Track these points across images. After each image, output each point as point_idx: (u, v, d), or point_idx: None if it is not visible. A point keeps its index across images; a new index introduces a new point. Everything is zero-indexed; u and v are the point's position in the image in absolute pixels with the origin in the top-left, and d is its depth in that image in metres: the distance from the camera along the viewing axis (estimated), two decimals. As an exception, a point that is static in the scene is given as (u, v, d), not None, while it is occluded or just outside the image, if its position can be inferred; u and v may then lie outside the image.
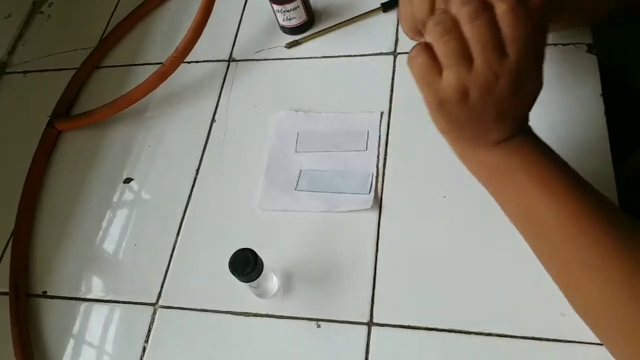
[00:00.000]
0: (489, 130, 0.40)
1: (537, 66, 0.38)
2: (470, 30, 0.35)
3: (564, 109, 0.56)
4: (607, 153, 0.53)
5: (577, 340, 0.45)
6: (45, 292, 0.59)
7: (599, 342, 0.39)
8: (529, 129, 0.42)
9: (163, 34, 0.77)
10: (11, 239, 0.63)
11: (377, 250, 0.53)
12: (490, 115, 0.38)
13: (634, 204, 0.51)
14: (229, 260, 0.48)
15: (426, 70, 0.37)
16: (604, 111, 0.55)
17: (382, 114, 0.61)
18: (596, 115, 0.55)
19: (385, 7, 0.68)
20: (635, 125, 0.63)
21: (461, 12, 0.35)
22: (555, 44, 0.59)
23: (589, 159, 0.53)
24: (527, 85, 0.38)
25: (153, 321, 0.55)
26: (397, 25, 0.68)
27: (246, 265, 0.48)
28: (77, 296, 0.58)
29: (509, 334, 0.46)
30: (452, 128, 0.41)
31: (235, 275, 0.48)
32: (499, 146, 0.40)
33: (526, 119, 0.42)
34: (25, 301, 0.59)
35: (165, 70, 0.66)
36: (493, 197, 0.43)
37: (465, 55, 0.35)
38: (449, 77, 0.36)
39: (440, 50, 0.36)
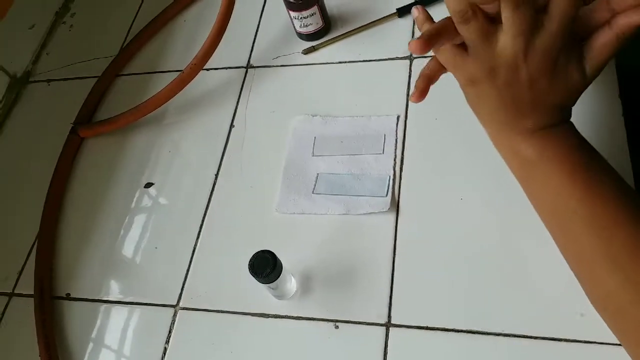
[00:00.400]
0: (523, 115, 0.40)
1: (574, 56, 0.38)
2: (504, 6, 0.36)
3: (581, 110, 0.56)
4: (626, 154, 0.53)
5: (596, 340, 0.45)
6: (69, 294, 0.61)
7: (617, 342, 0.38)
8: (570, 124, 0.42)
9: (182, 42, 0.79)
10: (36, 243, 0.65)
11: (394, 252, 0.53)
12: (523, 100, 0.39)
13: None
14: (248, 261, 0.49)
15: (452, 53, 0.39)
16: (621, 113, 0.55)
17: (398, 117, 0.61)
18: (615, 116, 0.55)
19: (400, 13, 0.69)
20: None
21: None
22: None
23: (608, 158, 0.53)
24: (564, 72, 0.38)
25: (174, 323, 0.56)
26: (413, 29, 0.68)
27: (265, 266, 0.48)
28: (100, 298, 0.60)
29: (528, 334, 0.46)
30: (482, 108, 0.41)
31: (254, 277, 0.48)
32: (534, 136, 0.40)
33: (567, 111, 0.42)
34: (50, 303, 0.60)
35: (185, 77, 0.68)
36: (523, 188, 0.43)
37: (489, 33, 0.37)
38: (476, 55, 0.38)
39: (465, 30, 0.37)
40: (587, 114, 0.56)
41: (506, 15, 0.36)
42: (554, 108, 0.40)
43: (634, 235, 0.37)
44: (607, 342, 0.44)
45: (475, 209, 0.54)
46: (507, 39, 0.37)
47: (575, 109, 0.56)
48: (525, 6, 0.35)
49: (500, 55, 0.37)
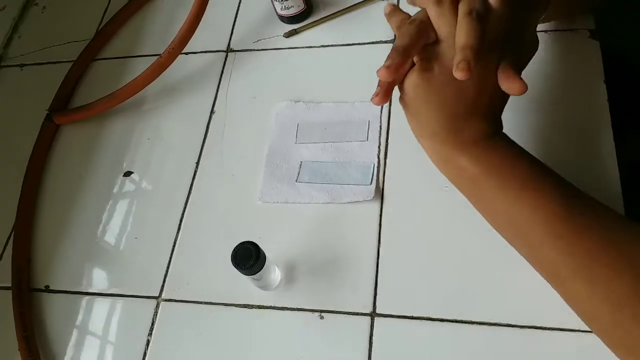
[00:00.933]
0: (459, 126, 0.40)
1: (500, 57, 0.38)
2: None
3: (566, 96, 0.55)
4: (609, 139, 0.52)
5: (579, 329, 0.45)
6: (48, 286, 0.59)
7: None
8: (504, 134, 0.42)
9: (160, 26, 0.76)
10: (12, 234, 0.63)
11: (379, 241, 0.53)
12: (459, 107, 0.39)
13: (637, 190, 0.51)
14: (231, 253, 0.48)
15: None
16: (606, 98, 0.55)
17: (382, 103, 0.60)
18: (599, 102, 0.54)
19: (384, -5, 0.68)
20: (636, 109, 0.62)
21: None
22: (556, 30, 0.59)
23: (592, 146, 0.53)
24: (494, 75, 0.38)
25: (156, 314, 0.55)
26: (397, 12, 0.67)
27: (249, 258, 0.47)
28: (80, 290, 0.58)
29: (512, 323, 0.46)
30: (420, 119, 0.41)
31: (237, 269, 0.48)
32: (475, 148, 0.40)
33: (500, 120, 0.42)
34: (28, 296, 0.59)
35: (163, 62, 0.66)
36: (471, 202, 0.43)
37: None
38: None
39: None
40: (572, 100, 0.55)
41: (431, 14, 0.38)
42: (489, 115, 0.40)
43: (591, 239, 0.36)
44: (591, 330, 0.44)
45: (460, 196, 0.53)
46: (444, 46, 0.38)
47: (561, 94, 0.56)
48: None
49: (437, 58, 0.38)
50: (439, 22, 0.38)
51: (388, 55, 0.38)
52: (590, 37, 0.58)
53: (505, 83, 0.37)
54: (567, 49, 0.58)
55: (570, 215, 0.37)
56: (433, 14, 0.38)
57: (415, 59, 0.40)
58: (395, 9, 0.43)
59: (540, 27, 0.44)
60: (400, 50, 0.38)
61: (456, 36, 0.36)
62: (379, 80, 0.40)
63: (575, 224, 0.37)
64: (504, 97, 0.41)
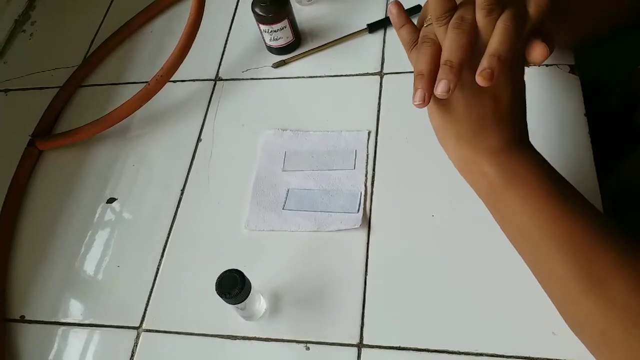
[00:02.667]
0: (487, 132, 0.40)
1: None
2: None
3: (548, 129, 0.57)
4: (592, 170, 0.53)
5: (568, 359, 0.45)
6: (23, 316, 0.57)
7: (591, 360, 0.38)
8: (529, 142, 0.42)
9: (148, 54, 0.77)
10: (-12, 262, 0.61)
11: (366, 270, 0.52)
12: (487, 114, 0.39)
13: (619, 220, 0.51)
14: (215, 281, 0.47)
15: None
16: (588, 131, 0.56)
17: (369, 133, 0.61)
18: (580, 134, 0.56)
19: (371, 28, 0.69)
20: (616, 140, 0.64)
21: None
22: (538, 65, 0.60)
23: (575, 177, 0.53)
24: (521, 81, 0.39)
25: (136, 345, 0.53)
26: (384, 46, 0.68)
27: (233, 286, 0.47)
28: (57, 320, 0.56)
29: (500, 353, 0.46)
30: (447, 126, 0.41)
31: (222, 297, 0.47)
32: (500, 156, 0.40)
33: (526, 127, 0.42)
34: (3, 326, 0.56)
35: (150, 90, 0.66)
36: (491, 211, 0.42)
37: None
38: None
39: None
40: (554, 132, 0.56)
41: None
42: (516, 122, 0.40)
43: (609, 256, 0.36)
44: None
45: (447, 225, 0.53)
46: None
47: (542, 127, 0.57)
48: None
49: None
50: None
51: (415, 84, 0.38)
52: (571, 72, 0.60)
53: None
54: (549, 83, 0.60)
55: (587, 230, 0.38)
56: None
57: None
58: (400, 13, 0.41)
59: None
60: (428, 77, 0.38)
61: (490, 41, 0.36)
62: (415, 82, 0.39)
63: (592, 240, 0.37)
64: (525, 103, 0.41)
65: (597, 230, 0.38)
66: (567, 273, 0.37)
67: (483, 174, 0.41)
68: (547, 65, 0.60)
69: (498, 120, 0.40)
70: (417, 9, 0.68)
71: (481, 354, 0.46)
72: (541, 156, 0.42)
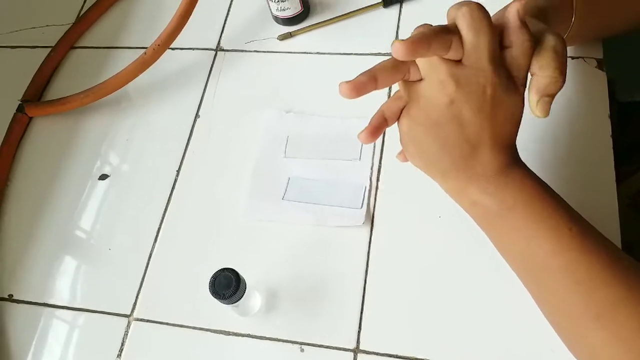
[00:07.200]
0: (470, 162, 0.37)
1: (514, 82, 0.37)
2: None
3: (570, 129, 0.53)
4: (611, 177, 0.50)
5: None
6: (12, 295, 0.56)
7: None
8: (522, 163, 0.39)
9: (147, 14, 0.72)
10: (-25, 235, 0.59)
11: (366, 271, 0.50)
12: (460, 140, 0.37)
13: (635, 225, 0.49)
14: (209, 280, 0.45)
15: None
16: (610, 134, 0.52)
17: (378, 121, 0.57)
18: (603, 136, 0.52)
19: (386, 2, 0.64)
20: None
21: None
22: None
23: (593, 182, 0.51)
24: (507, 104, 0.36)
25: (127, 334, 0.52)
26: (398, 22, 0.63)
27: (228, 287, 0.44)
28: (46, 302, 0.55)
29: (501, 369, 0.45)
30: (429, 164, 0.39)
31: (216, 297, 0.45)
32: (488, 182, 0.38)
33: (514, 148, 0.39)
34: (-11, 304, 0.55)
35: (147, 60, 0.61)
36: (488, 237, 0.40)
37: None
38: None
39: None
40: (575, 134, 0.53)
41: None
42: (498, 146, 0.37)
43: (614, 287, 0.34)
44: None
45: (453, 229, 0.51)
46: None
47: (564, 125, 0.53)
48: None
49: (422, 98, 0.37)
50: (424, 65, 0.37)
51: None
52: (597, 68, 0.56)
53: None
54: (573, 78, 0.56)
55: (589, 259, 0.35)
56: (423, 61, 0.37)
57: (403, 101, 0.39)
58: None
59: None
60: (368, 73, 0.38)
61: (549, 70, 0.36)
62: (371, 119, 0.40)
63: (595, 269, 0.35)
64: (515, 123, 0.38)
65: (604, 261, 0.35)
66: (571, 307, 0.35)
67: (474, 203, 0.39)
68: (572, 58, 0.56)
69: (476, 149, 0.37)
70: None
71: (480, 368, 0.45)
72: (537, 178, 0.39)
